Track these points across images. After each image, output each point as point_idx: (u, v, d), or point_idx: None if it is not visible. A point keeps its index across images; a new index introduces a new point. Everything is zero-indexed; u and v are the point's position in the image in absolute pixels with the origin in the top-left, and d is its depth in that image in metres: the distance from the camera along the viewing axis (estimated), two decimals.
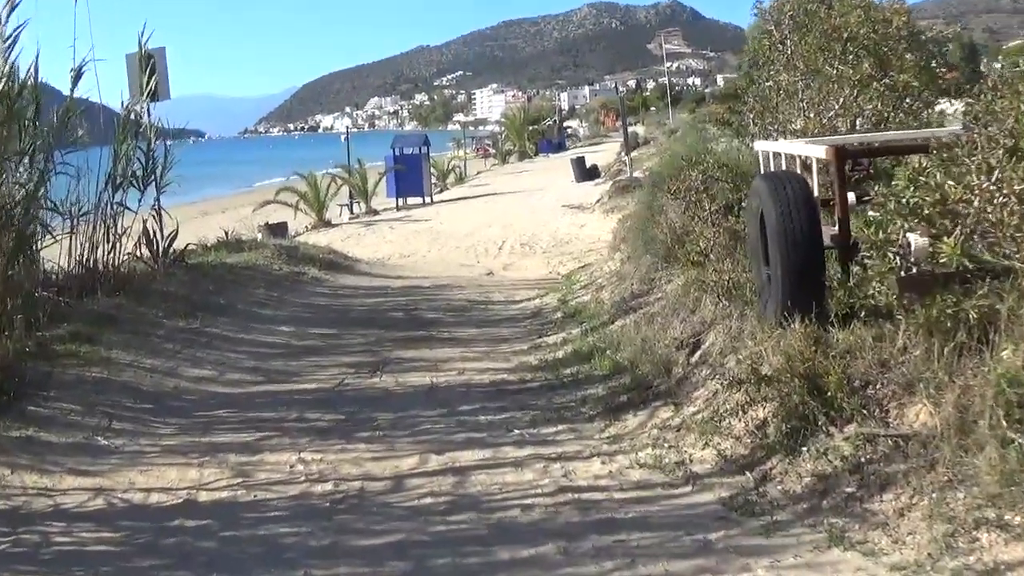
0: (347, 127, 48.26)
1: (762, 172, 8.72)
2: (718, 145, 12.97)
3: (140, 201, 13.45)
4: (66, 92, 12.22)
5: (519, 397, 8.62)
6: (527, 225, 23.64)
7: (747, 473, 6.04)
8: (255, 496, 6.45)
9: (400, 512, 6.07)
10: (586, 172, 36.21)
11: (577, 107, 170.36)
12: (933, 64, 11.64)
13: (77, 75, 12.24)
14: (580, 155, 41.76)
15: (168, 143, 14.16)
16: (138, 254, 13.23)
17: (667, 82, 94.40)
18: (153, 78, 13.93)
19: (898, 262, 6.22)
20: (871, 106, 11.03)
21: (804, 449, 5.85)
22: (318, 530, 5.80)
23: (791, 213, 6.59)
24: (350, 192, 32.14)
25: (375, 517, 5.99)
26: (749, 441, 6.36)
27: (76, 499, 6.52)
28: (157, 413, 8.46)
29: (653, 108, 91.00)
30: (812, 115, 11.11)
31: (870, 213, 7.12)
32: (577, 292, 13.50)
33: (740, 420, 6.59)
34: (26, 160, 10.82)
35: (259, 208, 28.53)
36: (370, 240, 24.03)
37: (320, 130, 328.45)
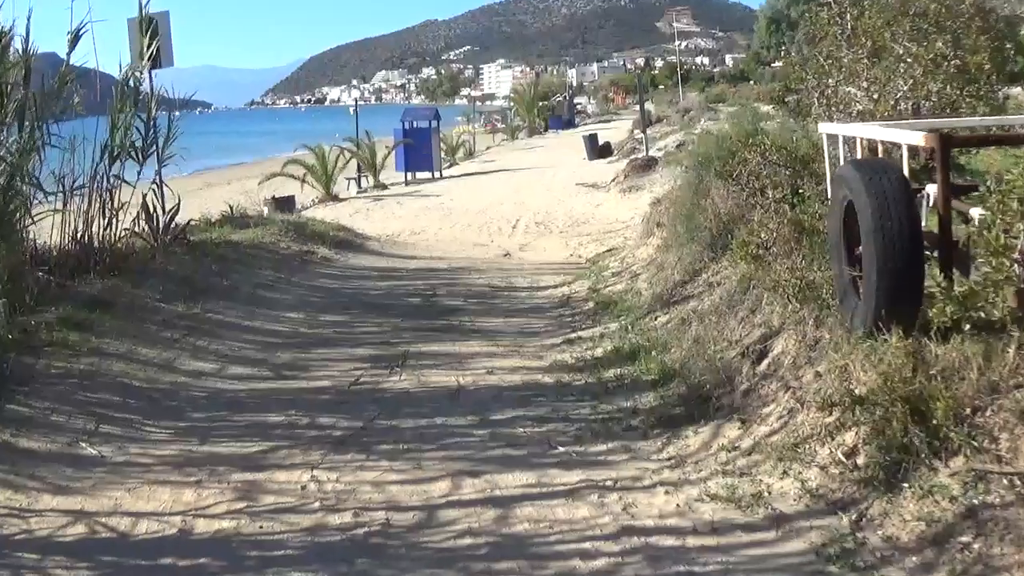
0: (356, 100, 47.35)
1: (828, 157, 7.96)
2: (767, 125, 11.97)
3: (139, 174, 12.49)
4: (63, 57, 11.23)
5: (559, 404, 7.63)
6: (541, 203, 22.77)
7: (840, 513, 5.07)
8: (260, 527, 5.48)
9: (434, 556, 5.08)
10: (598, 150, 35.62)
11: (585, 84, 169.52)
12: (1008, 46, 10.75)
13: (75, 38, 11.20)
14: (592, 132, 40.98)
15: (174, 114, 13.19)
16: (136, 230, 12.27)
17: (677, 61, 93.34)
18: (155, 42, 12.93)
19: (1016, 271, 5.38)
20: (937, 88, 10.11)
21: (905, 486, 4.92)
22: None
23: (890, 209, 5.69)
24: (358, 166, 31.49)
25: (403, 562, 5.01)
26: (837, 472, 5.39)
27: (52, 523, 5.59)
28: (150, 414, 7.52)
29: (661, 87, 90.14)
30: (877, 96, 10.17)
31: (975, 211, 6.17)
32: (608, 280, 12.57)
33: (825, 446, 5.63)
34: (12, 130, 9.86)
35: (265, 181, 27.55)
36: (379, 216, 23.10)
37: (327, 103, 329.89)
